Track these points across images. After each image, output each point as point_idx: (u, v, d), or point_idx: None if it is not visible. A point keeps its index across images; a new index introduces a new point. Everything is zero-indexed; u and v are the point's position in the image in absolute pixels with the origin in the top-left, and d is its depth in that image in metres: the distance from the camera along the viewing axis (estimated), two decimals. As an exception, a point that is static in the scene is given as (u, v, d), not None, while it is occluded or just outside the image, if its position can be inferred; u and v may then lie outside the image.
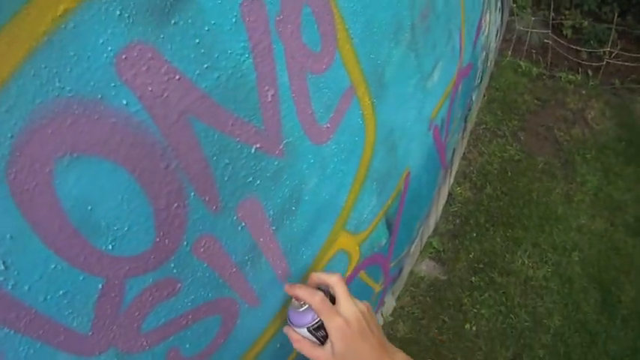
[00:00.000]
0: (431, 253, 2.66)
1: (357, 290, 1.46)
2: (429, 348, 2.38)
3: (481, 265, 2.61)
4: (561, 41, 3.48)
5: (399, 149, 1.23)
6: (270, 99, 0.61)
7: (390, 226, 1.46)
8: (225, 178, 0.57)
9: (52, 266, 0.43)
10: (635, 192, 2.88)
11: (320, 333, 0.74)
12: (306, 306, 0.75)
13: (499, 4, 2.74)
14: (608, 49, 3.25)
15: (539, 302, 2.50)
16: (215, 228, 0.60)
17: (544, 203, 2.83)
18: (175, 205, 0.50)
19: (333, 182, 0.91)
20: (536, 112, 3.33)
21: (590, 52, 3.49)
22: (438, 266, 2.64)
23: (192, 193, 0.52)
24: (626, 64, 3.34)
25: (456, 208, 2.82)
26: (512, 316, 2.46)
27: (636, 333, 2.43)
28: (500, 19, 2.98)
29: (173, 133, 0.46)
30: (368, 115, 0.94)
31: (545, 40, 3.47)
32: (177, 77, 0.45)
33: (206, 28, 0.46)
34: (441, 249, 2.67)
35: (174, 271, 0.56)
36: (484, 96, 3.34)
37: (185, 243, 0.55)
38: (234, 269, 0.70)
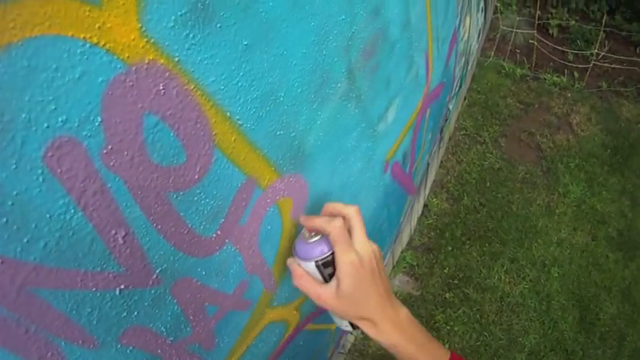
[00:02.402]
0: (404, 267, 2.49)
1: (308, 337, 1.28)
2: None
3: (456, 281, 2.45)
4: (547, 41, 3.22)
5: (342, 207, 1.02)
6: (122, 241, 0.49)
7: (340, 278, 1.26)
8: (94, 322, 0.51)
9: None
10: (620, 204, 2.68)
11: (327, 270, 0.67)
12: (318, 237, 0.68)
13: (482, 4, 2.50)
14: (596, 50, 3.01)
15: (515, 320, 2.37)
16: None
17: (524, 216, 2.63)
18: (49, 354, 0.47)
19: (240, 279, 0.71)
20: (519, 117, 3.09)
21: (577, 53, 3.25)
22: (412, 281, 2.48)
23: (63, 343, 0.48)
24: (614, 66, 3.11)
25: (431, 221, 2.62)
26: (487, 334, 2.33)
27: (614, 351, 2.32)
28: (483, 18, 2.76)
29: (19, 307, 0.43)
30: (283, 198, 0.73)
31: (531, 41, 3.22)
32: (-2, 262, 0.40)
33: (10, 203, 0.39)
34: (415, 263, 2.49)
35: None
36: (465, 99, 3.10)
37: (73, 376, 0.51)
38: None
